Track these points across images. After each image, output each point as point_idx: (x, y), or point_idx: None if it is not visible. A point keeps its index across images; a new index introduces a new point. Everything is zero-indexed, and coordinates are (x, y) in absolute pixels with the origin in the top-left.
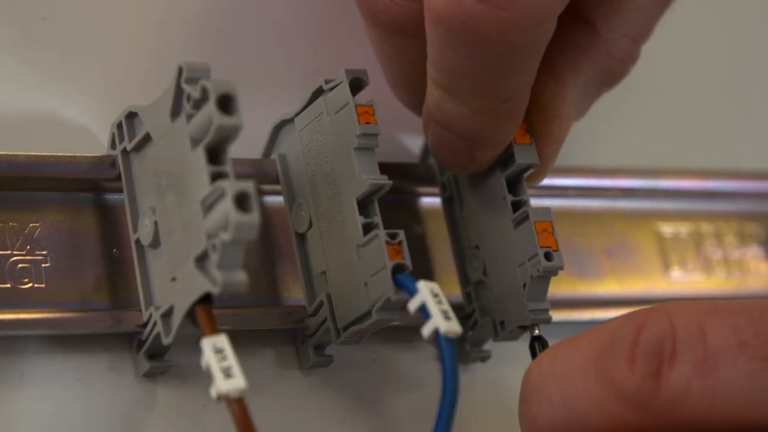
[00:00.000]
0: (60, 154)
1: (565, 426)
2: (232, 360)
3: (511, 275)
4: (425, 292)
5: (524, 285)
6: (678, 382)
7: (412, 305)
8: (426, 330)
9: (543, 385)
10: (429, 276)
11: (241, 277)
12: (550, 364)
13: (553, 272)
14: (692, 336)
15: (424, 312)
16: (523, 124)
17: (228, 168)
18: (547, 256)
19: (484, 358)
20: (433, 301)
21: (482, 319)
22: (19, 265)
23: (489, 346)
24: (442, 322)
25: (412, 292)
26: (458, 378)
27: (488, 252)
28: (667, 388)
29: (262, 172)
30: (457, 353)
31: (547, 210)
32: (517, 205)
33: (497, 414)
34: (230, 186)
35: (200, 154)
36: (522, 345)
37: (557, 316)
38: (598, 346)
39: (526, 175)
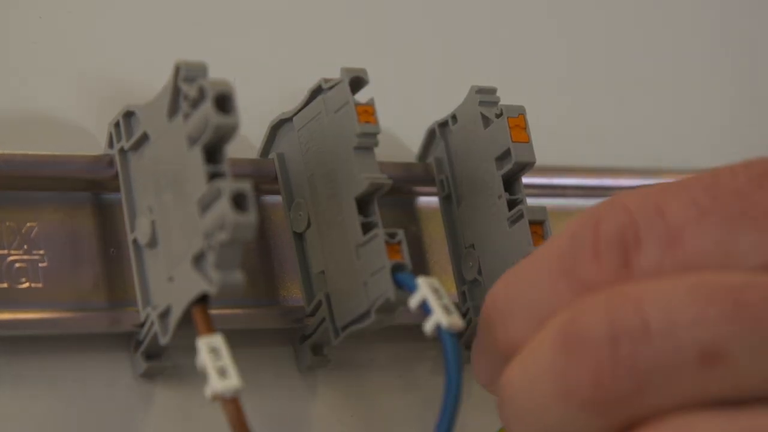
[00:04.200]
0: (57, 153)
1: None
2: (227, 360)
3: None
4: (425, 288)
5: None
6: (649, 264)
7: (413, 302)
8: (428, 326)
9: (513, 307)
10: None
11: (238, 277)
12: (515, 284)
13: None
14: (651, 217)
15: (425, 308)
16: (521, 121)
17: (225, 167)
18: None
19: None
20: (434, 297)
21: (476, 318)
22: (16, 265)
23: None
24: (443, 317)
25: (412, 288)
26: (462, 373)
27: (483, 251)
28: (640, 274)
29: (260, 172)
30: (460, 348)
31: (542, 209)
32: (512, 204)
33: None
34: (227, 185)
35: (197, 154)
36: None
37: None
38: (559, 252)
39: (522, 173)
